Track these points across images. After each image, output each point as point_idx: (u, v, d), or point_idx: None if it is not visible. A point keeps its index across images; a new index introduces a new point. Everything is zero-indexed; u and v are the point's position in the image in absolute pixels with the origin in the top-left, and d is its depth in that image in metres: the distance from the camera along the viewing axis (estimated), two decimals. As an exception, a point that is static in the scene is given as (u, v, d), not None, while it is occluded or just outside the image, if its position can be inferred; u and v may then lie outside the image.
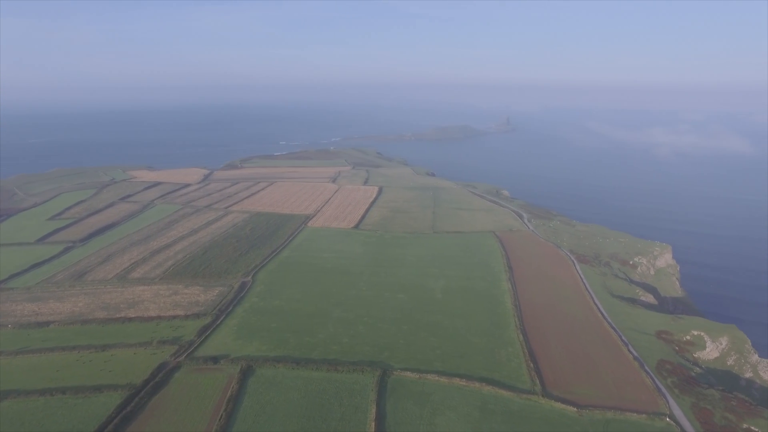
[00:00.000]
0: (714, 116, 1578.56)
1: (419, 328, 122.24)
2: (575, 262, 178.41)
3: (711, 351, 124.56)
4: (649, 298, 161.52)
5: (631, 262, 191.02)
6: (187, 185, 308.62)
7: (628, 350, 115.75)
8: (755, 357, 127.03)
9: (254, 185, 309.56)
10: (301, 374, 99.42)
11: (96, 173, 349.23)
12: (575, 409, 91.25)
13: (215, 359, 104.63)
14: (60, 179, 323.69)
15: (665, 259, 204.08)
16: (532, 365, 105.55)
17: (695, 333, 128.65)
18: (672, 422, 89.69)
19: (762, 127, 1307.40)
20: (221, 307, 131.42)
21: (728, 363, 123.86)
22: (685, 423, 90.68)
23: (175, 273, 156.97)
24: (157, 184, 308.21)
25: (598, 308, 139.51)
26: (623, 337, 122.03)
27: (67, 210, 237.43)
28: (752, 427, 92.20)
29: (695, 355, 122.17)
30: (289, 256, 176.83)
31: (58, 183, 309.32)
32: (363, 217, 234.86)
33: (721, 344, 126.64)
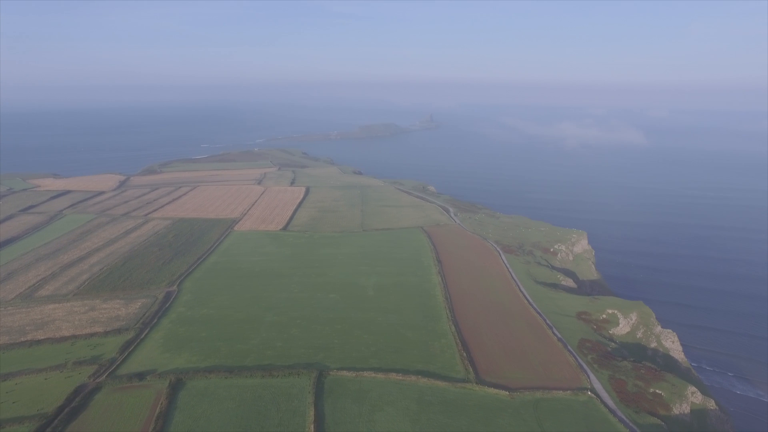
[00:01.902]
0: (614, 111, 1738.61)
1: (353, 326, 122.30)
2: (501, 252, 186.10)
3: (623, 327, 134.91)
4: (569, 283, 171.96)
5: (551, 250, 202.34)
6: (101, 193, 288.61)
7: (553, 332, 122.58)
8: (659, 328, 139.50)
9: (176, 190, 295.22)
10: (234, 383, 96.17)
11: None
12: (507, 392, 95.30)
13: (141, 375, 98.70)
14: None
15: (582, 245, 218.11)
16: (465, 354, 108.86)
17: (610, 311, 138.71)
18: (593, 395, 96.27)
19: (655, 121, 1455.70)
20: (145, 319, 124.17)
21: (637, 336, 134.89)
22: (604, 394, 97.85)
23: (92, 287, 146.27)
24: (65, 192, 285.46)
25: (524, 295, 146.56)
26: (548, 321, 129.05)
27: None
28: (657, 390, 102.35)
29: (610, 332, 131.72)
30: (216, 262, 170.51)
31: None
32: (291, 218, 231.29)
33: (632, 320, 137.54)
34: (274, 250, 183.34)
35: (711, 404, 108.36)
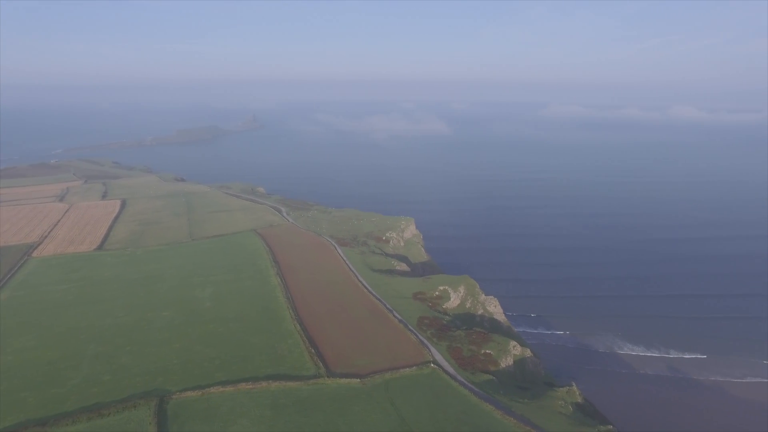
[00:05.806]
0: (422, 105, 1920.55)
1: (193, 342, 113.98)
2: (336, 246, 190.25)
3: (454, 300, 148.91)
4: (403, 267, 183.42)
5: (384, 238, 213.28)
6: None
7: (393, 315, 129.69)
8: (483, 296, 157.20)
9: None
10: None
11: None
12: (359, 380, 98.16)
13: None
14: None
15: (411, 230, 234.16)
16: (313, 351, 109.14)
17: (441, 288, 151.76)
18: (435, 366, 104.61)
19: (457, 112, 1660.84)
20: None
21: (467, 306, 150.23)
22: (444, 363, 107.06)
23: None
24: None
25: (363, 284, 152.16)
26: (387, 305, 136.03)
27: None
28: (487, 350, 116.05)
29: (444, 306, 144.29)
30: (12, 297, 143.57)
31: None
32: (107, 235, 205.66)
33: (461, 292, 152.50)
34: (89, 274, 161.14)
35: (528, 353, 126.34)
